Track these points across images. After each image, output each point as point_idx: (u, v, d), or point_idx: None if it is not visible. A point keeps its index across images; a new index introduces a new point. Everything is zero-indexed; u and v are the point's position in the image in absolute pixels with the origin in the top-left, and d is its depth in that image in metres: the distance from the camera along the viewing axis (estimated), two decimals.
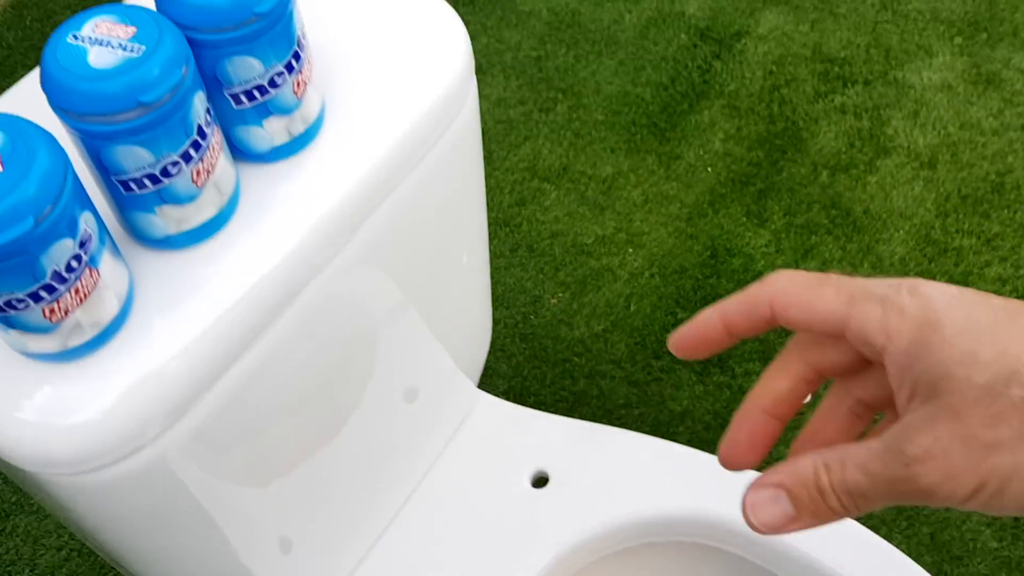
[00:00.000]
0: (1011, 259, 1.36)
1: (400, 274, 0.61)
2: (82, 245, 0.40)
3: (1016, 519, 1.14)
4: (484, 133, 1.52)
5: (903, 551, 0.73)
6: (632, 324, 1.32)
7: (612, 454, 0.79)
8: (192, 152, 0.44)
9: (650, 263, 1.38)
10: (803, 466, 0.31)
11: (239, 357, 0.50)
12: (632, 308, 1.34)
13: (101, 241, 0.42)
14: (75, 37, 0.41)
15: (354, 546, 0.73)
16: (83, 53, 0.40)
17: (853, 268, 1.36)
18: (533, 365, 1.28)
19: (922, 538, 1.14)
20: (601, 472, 0.78)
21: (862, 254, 1.37)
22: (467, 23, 1.66)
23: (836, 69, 1.59)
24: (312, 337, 0.56)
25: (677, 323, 1.30)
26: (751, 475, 0.35)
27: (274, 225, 0.51)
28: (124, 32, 0.41)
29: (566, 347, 1.30)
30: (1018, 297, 1.30)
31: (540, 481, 0.78)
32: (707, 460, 0.78)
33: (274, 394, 0.56)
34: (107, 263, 0.43)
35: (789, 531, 0.32)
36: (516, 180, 1.47)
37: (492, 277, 1.37)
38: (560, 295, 1.35)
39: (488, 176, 1.48)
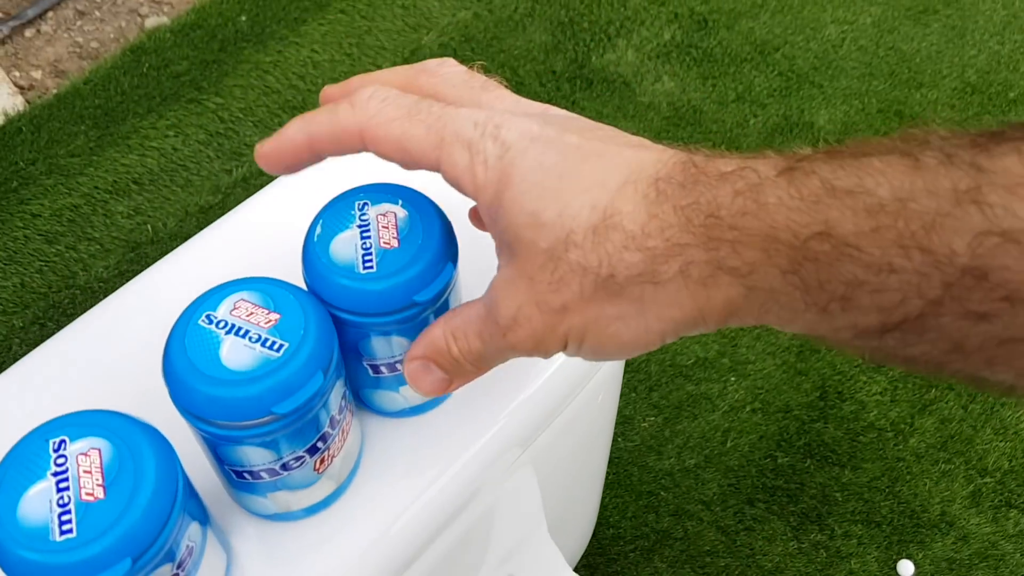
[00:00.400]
0: None
1: (533, 494, 0.54)
2: (180, 565, 0.34)
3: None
4: None
5: None
6: (727, 463, 1.22)
7: None
8: (319, 444, 0.37)
9: (753, 396, 1.28)
10: (437, 336, 0.34)
11: None
12: (728, 444, 1.24)
13: (203, 539, 0.36)
14: (208, 319, 0.34)
15: None
16: (216, 344, 0.34)
17: (974, 431, 1.24)
18: (615, 493, 1.20)
19: None
20: None
21: (985, 416, 1.26)
22: (582, 110, 1.60)
23: None
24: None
25: (776, 468, 1.21)
26: None
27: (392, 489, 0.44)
28: (266, 320, 0.35)
29: (653, 478, 1.21)
30: None
31: None
32: None
33: None
34: (207, 559, 0.36)
35: (452, 390, 0.35)
36: None
37: None
38: (652, 419, 1.26)
39: None
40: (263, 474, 0.37)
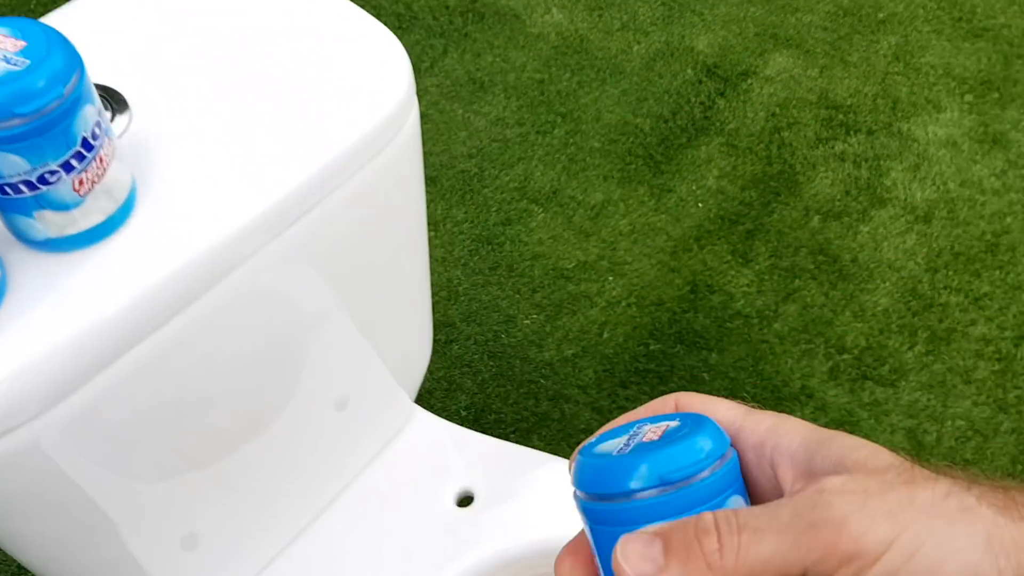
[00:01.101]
0: (997, 320, 1.33)
1: (322, 284, 0.60)
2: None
3: None
4: (478, 151, 1.52)
5: None
6: (603, 352, 1.30)
7: (542, 479, 0.77)
8: (74, 163, 0.44)
9: (629, 293, 1.36)
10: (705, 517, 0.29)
11: (125, 352, 0.49)
12: (605, 336, 1.32)
13: None
14: None
15: (266, 548, 0.72)
16: None
17: (833, 315, 1.33)
18: (498, 383, 1.27)
19: None
20: (528, 496, 0.76)
21: (845, 302, 1.35)
22: (474, 40, 1.67)
23: (840, 116, 1.58)
24: (218, 337, 0.55)
25: (648, 354, 1.29)
26: None
27: (172, 229, 0.50)
28: (13, 45, 0.42)
29: (534, 368, 1.29)
30: (999, 360, 1.27)
31: (465, 500, 0.76)
32: None
33: (173, 389, 0.55)
34: None
35: None
36: (504, 200, 1.46)
37: (467, 293, 1.36)
38: (534, 317, 1.34)
39: (476, 193, 1.47)
40: (22, 187, 0.43)
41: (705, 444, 0.31)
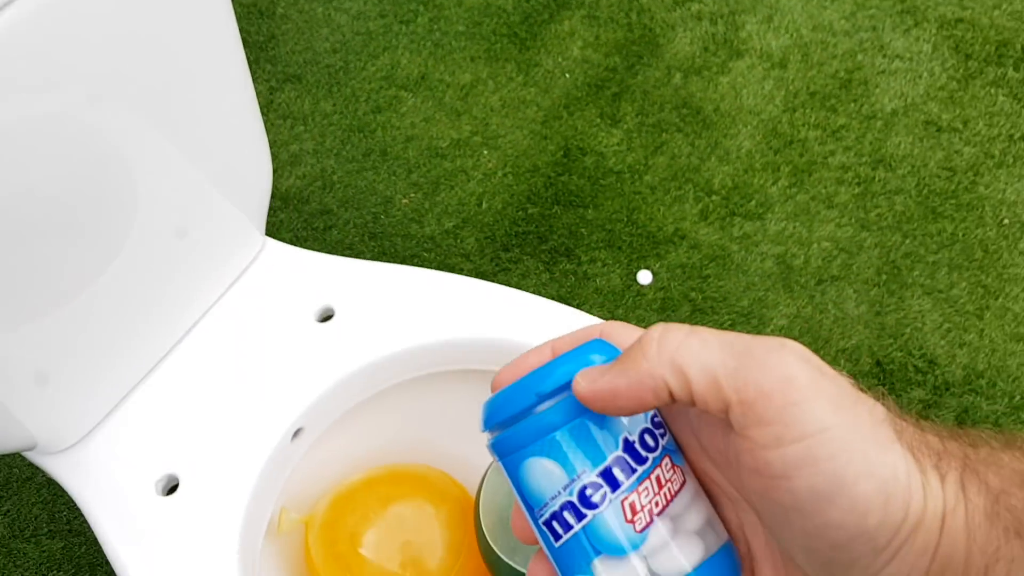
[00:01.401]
0: (855, 148, 1.39)
1: (135, 105, 0.61)
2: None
3: None
4: (342, 45, 1.51)
5: None
6: (483, 220, 1.33)
7: (401, 289, 0.79)
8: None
9: (504, 164, 1.38)
10: None
11: None
12: (484, 206, 1.34)
13: None
14: None
15: (123, 379, 0.73)
16: None
17: (700, 161, 1.38)
18: (382, 261, 1.28)
19: None
20: (389, 305, 0.78)
21: (710, 148, 1.39)
22: None
23: None
24: (21, 161, 0.56)
25: (527, 217, 1.32)
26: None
27: None
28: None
29: (416, 243, 1.30)
30: (858, 184, 1.33)
31: (326, 317, 0.78)
32: (494, 289, 0.78)
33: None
34: None
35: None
36: (373, 89, 1.47)
37: (342, 180, 1.37)
38: (412, 196, 1.35)
39: (343, 86, 1.47)
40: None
41: (587, 357, 0.32)
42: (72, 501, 1.09)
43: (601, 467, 0.32)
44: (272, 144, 1.38)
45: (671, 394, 0.30)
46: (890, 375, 1.18)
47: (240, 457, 0.70)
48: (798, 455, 0.28)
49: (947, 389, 1.17)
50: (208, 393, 0.73)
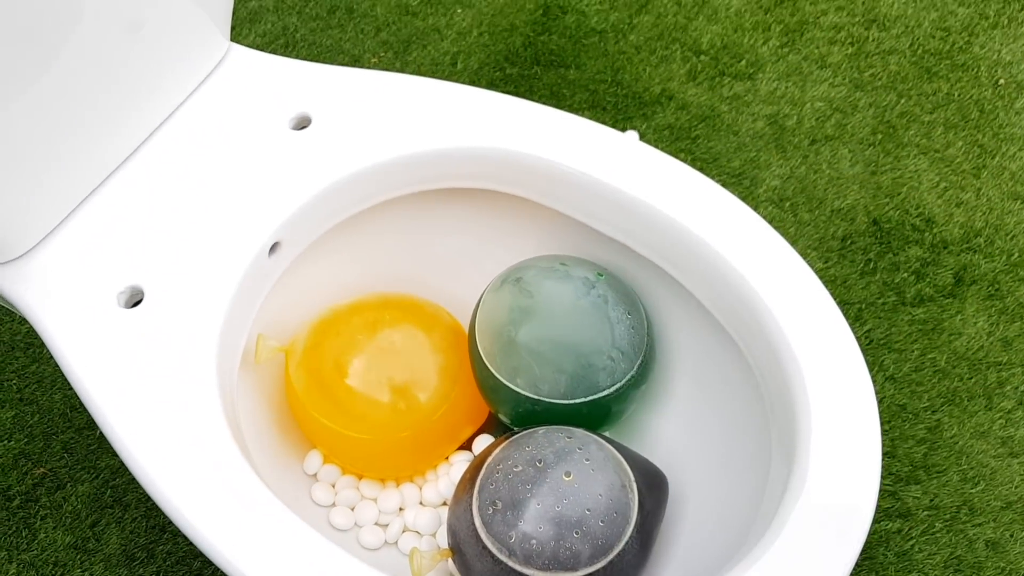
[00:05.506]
0: (847, 8, 1.32)
1: None
2: None
3: (843, 240, 1.12)
4: None
5: None
6: (459, 80, 1.24)
7: (387, 96, 0.71)
8: None
9: (479, 22, 1.30)
10: None
11: None
12: (459, 66, 1.26)
13: None
14: None
15: (76, 185, 0.64)
16: None
17: (687, 20, 1.30)
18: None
19: None
20: (373, 112, 0.70)
21: (697, 7, 1.32)
22: None
23: None
24: None
25: (506, 77, 1.24)
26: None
27: None
28: None
29: None
30: (851, 44, 1.27)
31: (302, 125, 0.70)
32: (488, 98, 0.71)
33: None
34: None
35: None
36: None
37: (305, 39, 1.27)
38: (382, 55, 1.26)
39: None
40: None
41: None
42: (23, 369, 1.00)
43: None
44: None
45: None
46: (887, 234, 1.13)
47: (212, 270, 0.62)
48: None
49: (944, 247, 1.13)
50: (173, 203, 0.65)
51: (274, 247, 0.65)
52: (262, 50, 1.25)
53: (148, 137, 0.68)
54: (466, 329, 0.74)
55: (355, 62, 1.25)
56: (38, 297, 0.60)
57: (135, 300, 0.61)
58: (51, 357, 0.99)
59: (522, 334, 0.65)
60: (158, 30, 0.66)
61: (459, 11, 1.31)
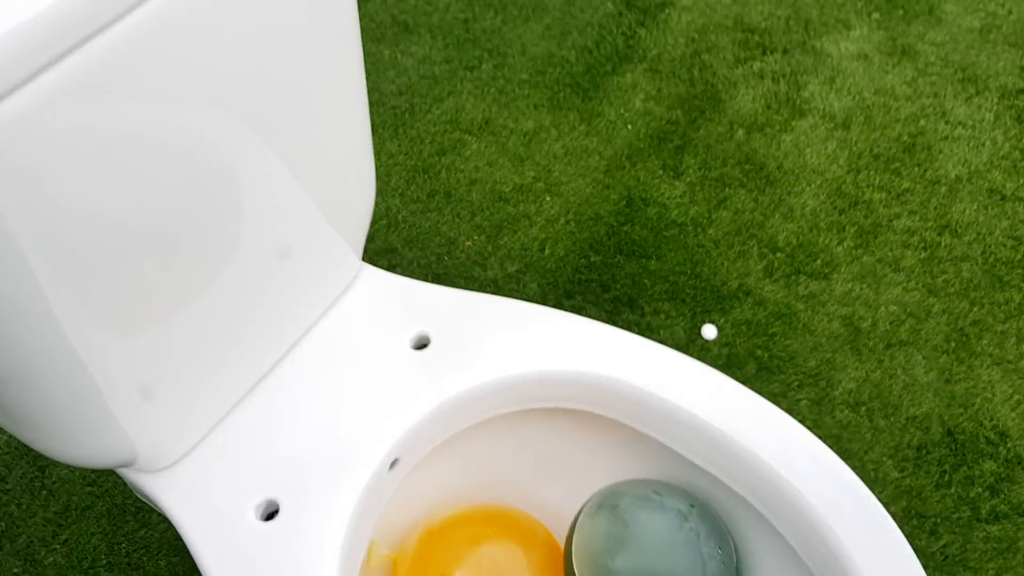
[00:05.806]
0: (920, 212, 1.38)
1: (251, 119, 0.60)
2: None
3: (918, 449, 1.14)
4: (408, 88, 1.52)
5: None
6: (545, 266, 1.32)
7: (496, 320, 0.77)
8: None
9: (566, 210, 1.38)
10: None
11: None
12: (547, 252, 1.33)
13: None
14: None
15: (222, 399, 0.71)
16: None
17: (764, 218, 1.37)
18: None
19: None
20: (484, 336, 0.76)
21: (773, 205, 1.39)
22: None
23: (756, 38, 1.63)
24: (130, 160, 0.55)
25: (590, 265, 1.31)
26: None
27: None
28: None
29: (478, 286, 1.29)
30: (924, 249, 1.32)
31: (422, 344, 0.76)
32: (593, 327, 0.77)
33: (99, 218, 0.54)
34: None
35: None
36: (437, 132, 1.47)
37: (406, 220, 1.36)
38: (475, 238, 1.35)
39: (408, 127, 1.48)
40: None
41: None
42: (132, 534, 1.06)
43: None
44: None
45: None
46: (961, 446, 1.15)
47: (339, 485, 0.68)
48: None
49: (1019, 463, 1.14)
50: (307, 417, 0.72)
51: (394, 463, 0.71)
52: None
53: (286, 352, 0.75)
54: (558, 542, 0.78)
55: (450, 243, 1.33)
56: (183, 506, 0.66)
57: (270, 511, 0.67)
58: (159, 522, 1.05)
59: (617, 563, 0.69)
60: (303, 254, 0.73)
61: (548, 199, 1.39)
